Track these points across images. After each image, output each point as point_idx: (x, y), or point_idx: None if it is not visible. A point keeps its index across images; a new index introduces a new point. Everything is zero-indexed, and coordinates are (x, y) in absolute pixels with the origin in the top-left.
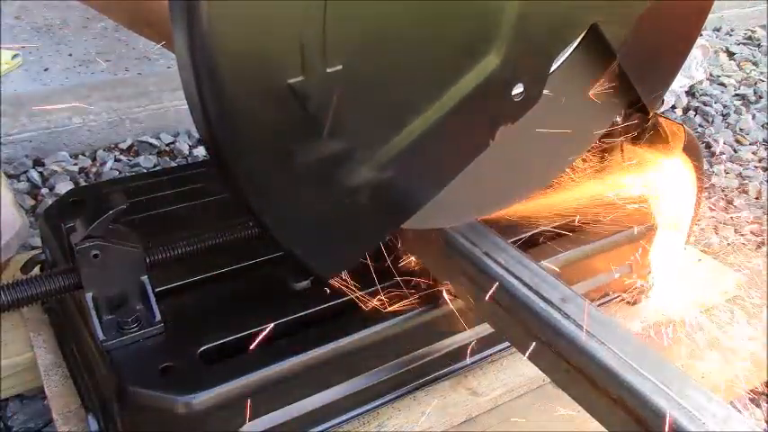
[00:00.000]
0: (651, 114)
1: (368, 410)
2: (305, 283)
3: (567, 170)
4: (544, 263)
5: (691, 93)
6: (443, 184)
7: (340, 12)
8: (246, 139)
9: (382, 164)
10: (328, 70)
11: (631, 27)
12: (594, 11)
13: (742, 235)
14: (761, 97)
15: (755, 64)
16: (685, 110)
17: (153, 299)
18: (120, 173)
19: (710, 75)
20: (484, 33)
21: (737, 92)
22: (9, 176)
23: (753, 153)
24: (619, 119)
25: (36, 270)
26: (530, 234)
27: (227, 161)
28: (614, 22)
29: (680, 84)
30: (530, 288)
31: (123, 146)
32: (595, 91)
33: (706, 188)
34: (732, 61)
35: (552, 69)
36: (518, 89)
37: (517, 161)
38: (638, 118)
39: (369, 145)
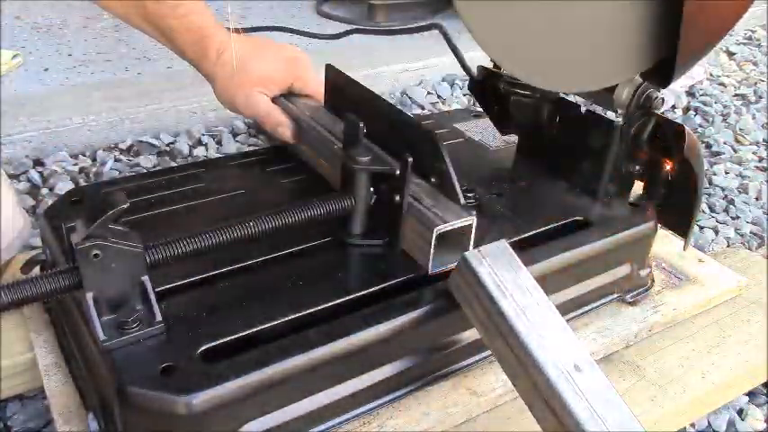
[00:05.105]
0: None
1: (368, 410)
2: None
3: None
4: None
5: (691, 93)
6: None
7: None
8: None
9: None
10: None
11: None
12: None
13: (742, 235)
14: (761, 97)
15: (755, 64)
16: (685, 110)
17: (153, 299)
18: (120, 173)
19: (710, 75)
20: None
21: (737, 92)
22: (9, 176)
23: (753, 153)
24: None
25: (36, 270)
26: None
27: None
28: None
29: (680, 84)
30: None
31: (123, 146)
32: None
33: (706, 188)
34: (732, 61)
35: None
36: None
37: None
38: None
39: None
